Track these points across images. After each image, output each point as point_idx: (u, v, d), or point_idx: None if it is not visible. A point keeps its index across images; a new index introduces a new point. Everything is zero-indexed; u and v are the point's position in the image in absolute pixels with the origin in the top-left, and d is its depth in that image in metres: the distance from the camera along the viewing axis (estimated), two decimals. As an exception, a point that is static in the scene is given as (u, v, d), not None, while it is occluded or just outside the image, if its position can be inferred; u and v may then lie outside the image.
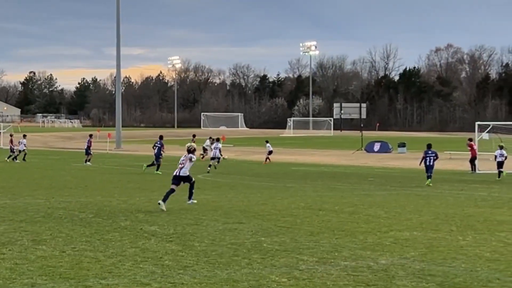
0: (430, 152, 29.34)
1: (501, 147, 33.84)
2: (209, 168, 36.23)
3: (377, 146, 63.45)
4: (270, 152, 47.21)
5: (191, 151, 19.54)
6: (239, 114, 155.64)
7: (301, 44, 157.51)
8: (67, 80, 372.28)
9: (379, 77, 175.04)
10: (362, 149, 63.71)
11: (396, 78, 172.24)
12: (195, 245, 13.11)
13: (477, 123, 41.72)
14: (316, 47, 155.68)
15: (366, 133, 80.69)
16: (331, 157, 56.13)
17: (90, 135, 44.99)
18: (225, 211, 18.63)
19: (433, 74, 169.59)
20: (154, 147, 36.13)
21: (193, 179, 20.12)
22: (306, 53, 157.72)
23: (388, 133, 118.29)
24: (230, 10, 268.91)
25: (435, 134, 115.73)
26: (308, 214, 18.13)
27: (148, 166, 35.47)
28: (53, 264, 11.25)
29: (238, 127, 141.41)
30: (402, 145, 60.65)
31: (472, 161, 37.36)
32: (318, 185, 27.99)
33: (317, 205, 20.24)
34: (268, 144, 47.83)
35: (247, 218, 17.08)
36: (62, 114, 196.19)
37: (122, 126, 79.46)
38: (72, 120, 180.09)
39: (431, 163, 29.12)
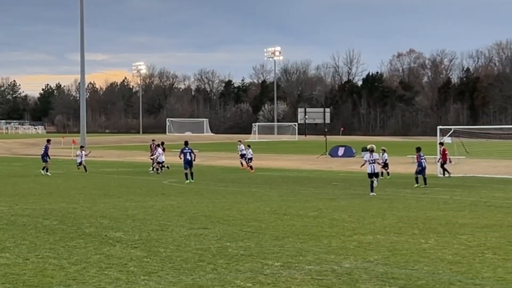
0: (422, 155, 30.67)
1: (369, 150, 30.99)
2: (152, 171, 38.61)
3: (341, 151, 63.83)
4: (242, 156, 45.41)
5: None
6: (204, 119, 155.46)
7: (265, 50, 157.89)
8: (31, 86, 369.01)
9: (343, 82, 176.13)
10: (326, 154, 64.04)
11: (359, 83, 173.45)
12: (160, 251, 13.12)
13: (439, 127, 42.19)
14: (280, 52, 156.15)
15: (330, 137, 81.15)
16: (295, 161, 56.32)
17: (48, 140, 41.89)
18: (190, 216, 18.64)
19: (395, 79, 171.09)
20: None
21: None
22: (270, 59, 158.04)
23: (352, 137, 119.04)
24: (193, 16, 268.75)
25: (398, 138, 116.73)
26: (273, 218, 18.22)
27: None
28: (17, 271, 11.18)
29: (203, 133, 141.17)
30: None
31: (443, 165, 37.61)
32: (283, 190, 28.10)
33: (282, 210, 20.35)
34: (244, 148, 45.66)
35: (212, 224, 17.12)
36: (26, 121, 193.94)
37: (87, 132, 78.85)
38: (36, 127, 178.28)
39: (425, 165, 30.45)
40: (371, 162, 26.67)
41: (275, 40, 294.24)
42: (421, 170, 30.37)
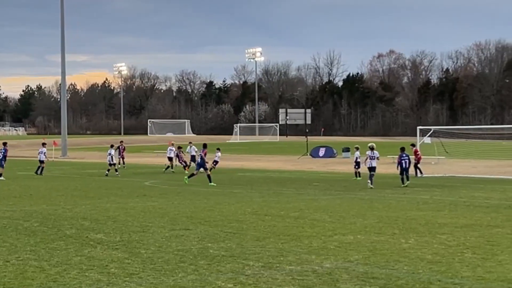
0: (404, 155, 31.18)
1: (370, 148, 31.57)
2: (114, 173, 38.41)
3: (322, 151, 64.05)
4: (192, 158, 42.38)
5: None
6: (186, 120, 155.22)
7: (246, 51, 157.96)
8: (11, 88, 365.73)
9: (323, 83, 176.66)
10: (307, 154, 64.21)
11: (340, 84, 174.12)
12: (141, 252, 13.12)
13: (418, 127, 42.53)
14: (261, 53, 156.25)
15: (311, 138, 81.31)
16: (277, 162, 56.41)
17: (4, 143, 39.17)
18: (171, 217, 18.65)
19: (375, 79, 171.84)
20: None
21: None
22: (252, 60, 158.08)
23: (332, 138, 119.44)
24: (174, 17, 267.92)
25: (379, 139, 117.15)
26: (254, 219, 18.27)
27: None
28: (-3, 274, 11.14)
29: (185, 134, 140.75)
30: (346, 150, 61.27)
31: (416, 165, 37.91)
32: (264, 191, 28.16)
33: (263, 211, 20.40)
34: (196, 150, 42.60)
35: (193, 225, 17.13)
36: (7, 122, 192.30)
37: (68, 134, 78.49)
38: (16, 128, 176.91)
39: (407, 166, 31.03)
40: (371, 157, 30.44)
41: (256, 41, 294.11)
42: (402, 170, 30.71)
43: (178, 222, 17.59)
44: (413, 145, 38.65)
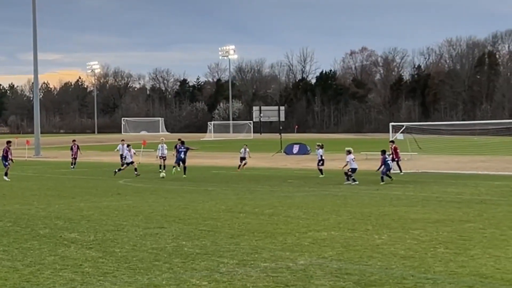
0: (387, 157, 31.79)
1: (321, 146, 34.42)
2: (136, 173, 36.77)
3: (296, 148, 64.27)
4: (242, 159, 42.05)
5: None
6: (160, 118, 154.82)
7: (220, 48, 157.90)
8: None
9: (297, 80, 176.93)
10: (281, 152, 64.36)
11: (313, 81, 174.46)
12: (115, 251, 13.09)
13: (391, 124, 42.75)
14: (234, 51, 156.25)
15: (285, 135, 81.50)
16: (251, 160, 56.33)
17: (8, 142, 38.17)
18: (146, 216, 18.61)
19: (348, 76, 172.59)
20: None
21: None
22: (225, 57, 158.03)
23: (306, 135, 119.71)
24: (148, 15, 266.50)
25: (352, 136, 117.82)
26: (229, 217, 18.30)
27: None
28: (-30, 275, 11.05)
29: (159, 132, 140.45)
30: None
31: (397, 162, 37.97)
32: (238, 188, 28.19)
33: (238, 208, 20.43)
34: (242, 149, 42.78)
35: (168, 223, 17.12)
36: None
37: (41, 133, 77.87)
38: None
39: (391, 166, 32.01)
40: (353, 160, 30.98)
41: (229, 39, 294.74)
42: (387, 170, 31.02)
43: (153, 221, 17.56)
44: (392, 141, 38.64)
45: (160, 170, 37.61)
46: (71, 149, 46.86)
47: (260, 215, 18.64)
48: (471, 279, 10.66)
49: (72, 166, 45.66)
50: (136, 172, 36.52)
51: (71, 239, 14.68)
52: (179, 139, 39.09)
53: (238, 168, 41.17)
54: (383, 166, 30.98)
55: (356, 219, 17.60)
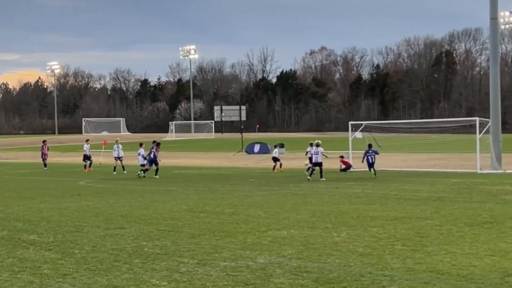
0: (370, 151, 34.17)
1: (315, 145, 34.76)
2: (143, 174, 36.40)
3: (257, 148, 64.44)
4: (275, 159, 40.20)
5: None
6: (121, 119, 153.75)
7: (180, 48, 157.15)
8: None
9: (257, 79, 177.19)
10: (242, 151, 64.47)
11: (274, 80, 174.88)
12: (75, 253, 13.04)
13: (350, 122, 43.12)
14: (195, 50, 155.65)
15: (246, 135, 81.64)
16: (212, 159, 56.47)
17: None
18: (106, 217, 18.55)
19: (308, 76, 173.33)
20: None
21: None
22: (186, 57, 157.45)
23: (267, 134, 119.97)
24: (106, 15, 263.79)
25: (312, 134, 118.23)
26: (190, 216, 18.32)
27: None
28: None
29: (120, 132, 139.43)
30: (281, 145, 61.84)
31: (346, 170, 38.35)
32: (199, 188, 28.21)
33: (199, 208, 20.46)
34: (275, 149, 41.36)
35: (128, 223, 17.09)
36: None
37: (0, 134, 76.98)
38: None
39: (373, 160, 33.89)
40: (315, 153, 32.13)
41: (190, 38, 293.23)
42: (369, 164, 33.60)
43: (113, 221, 17.51)
44: (342, 156, 39.69)
45: (125, 172, 38.71)
46: (42, 149, 45.52)
47: (221, 215, 18.70)
48: (427, 275, 10.82)
49: (46, 169, 43.64)
50: (143, 173, 36.44)
51: (30, 240, 14.58)
52: (154, 141, 37.89)
53: (273, 169, 39.30)
54: (365, 161, 33.79)
55: (316, 218, 17.75)
